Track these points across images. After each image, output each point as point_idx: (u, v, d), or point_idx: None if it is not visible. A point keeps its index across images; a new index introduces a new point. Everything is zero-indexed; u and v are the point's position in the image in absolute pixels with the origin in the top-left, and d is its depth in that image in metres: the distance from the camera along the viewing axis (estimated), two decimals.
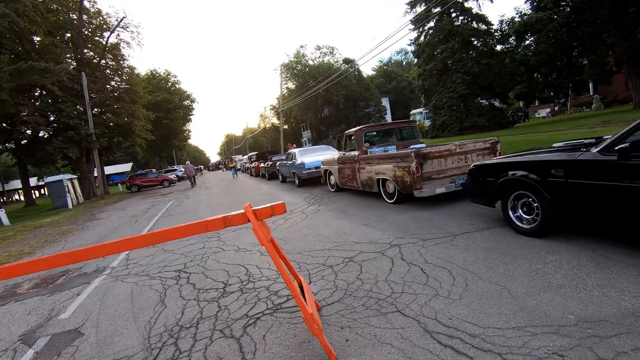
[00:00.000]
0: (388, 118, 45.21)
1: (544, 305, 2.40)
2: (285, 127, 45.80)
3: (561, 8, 19.29)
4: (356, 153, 7.92)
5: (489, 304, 2.52)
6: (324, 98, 40.73)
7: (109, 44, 25.74)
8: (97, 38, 26.02)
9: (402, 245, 4.12)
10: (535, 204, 3.61)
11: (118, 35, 26.62)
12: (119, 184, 34.46)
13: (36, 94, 22.83)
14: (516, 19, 22.97)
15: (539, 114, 29.80)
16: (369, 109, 43.23)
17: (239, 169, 30.56)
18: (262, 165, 20.04)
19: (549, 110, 28.51)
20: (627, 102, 20.37)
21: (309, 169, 11.29)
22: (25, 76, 16.83)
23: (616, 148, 2.82)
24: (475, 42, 26.82)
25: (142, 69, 59.78)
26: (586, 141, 3.47)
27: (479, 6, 26.30)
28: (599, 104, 22.46)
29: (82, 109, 22.18)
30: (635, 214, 2.77)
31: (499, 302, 2.53)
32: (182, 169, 35.21)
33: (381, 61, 69.75)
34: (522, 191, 3.74)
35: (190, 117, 51.86)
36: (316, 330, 2.12)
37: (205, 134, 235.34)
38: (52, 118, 22.38)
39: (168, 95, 44.82)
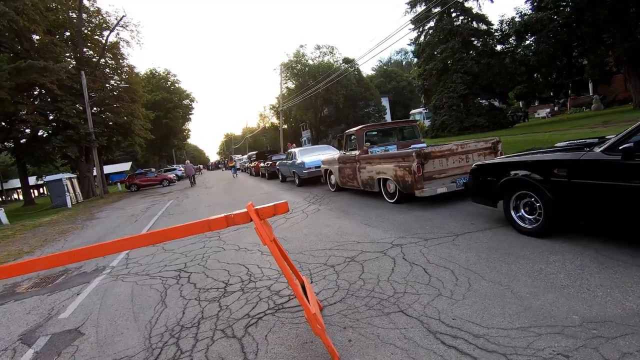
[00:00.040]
0: (388, 118, 45.16)
1: (548, 305, 2.39)
2: (285, 126, 45.75)
3: (561, 8, 19.29)
4: (357, 152, 7.91)
5: (493, 304, 2.51)
6: (324, 98, 40.65)
7: (108, 43, 25.71)
8: (96, 37, 26.00)
9: (403, 245, 4.11)
10: (538, 204, 3.60)
11: (118, 34, 26.68)
12: (118, 183, 34.47)
13: (35, 92, 22.81)
14: (516, 19, 22.96)
15: (538, 114, 29.80)
16: (369, 109, 43.17)
17: (238, 169, 30.50)
18: (261, 164, 19.99)
19: (548, 110, 28.51)
20: (627, 102, 20.39)
21: (310, 168, 11.27)
22: (25, 75, 16.78)
23: (620, 148, 2.81)
24: (475, 42, 26.79)
25: (142, 68, 59.91)
26: (589, 141, 3.46)
27: (479, 6, 26.32)
28: (598, 105, 22.46)
29: (81, 108, 22.15)
30: (638, 214, 2.76)
31: (503, 302, 2.51)
32: (182, 169, 35.22)
33: (381, 61, 69.76)
34: (525, 191, 3.72)
35: (190, 116, 51.91)
36: (319, 330, 2.10)
37: (205, 133, 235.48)
38: (51, 117, 22.34)
39: (167, 95, 44.78)
